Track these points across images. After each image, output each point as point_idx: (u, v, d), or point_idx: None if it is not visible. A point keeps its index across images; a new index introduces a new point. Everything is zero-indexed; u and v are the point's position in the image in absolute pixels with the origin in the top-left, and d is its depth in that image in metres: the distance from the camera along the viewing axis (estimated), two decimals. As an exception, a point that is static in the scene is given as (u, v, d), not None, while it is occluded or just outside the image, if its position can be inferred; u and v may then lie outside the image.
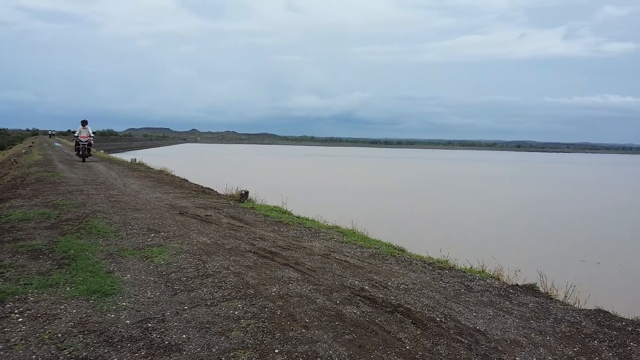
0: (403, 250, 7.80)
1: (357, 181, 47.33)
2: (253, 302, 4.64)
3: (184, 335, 3.84)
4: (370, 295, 5.10)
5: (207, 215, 9.50)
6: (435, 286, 5.72)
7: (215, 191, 14.72)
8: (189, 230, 7.90)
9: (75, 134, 25.37)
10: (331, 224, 9.88)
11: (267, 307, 4.52)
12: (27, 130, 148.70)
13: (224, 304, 4.57)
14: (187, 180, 17.47)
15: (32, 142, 57.85)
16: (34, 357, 3.39)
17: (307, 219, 10.32)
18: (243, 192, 13.03)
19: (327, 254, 6.83)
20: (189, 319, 4.18)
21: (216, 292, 4.92)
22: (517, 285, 6.12)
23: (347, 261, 6.53)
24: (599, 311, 5.20)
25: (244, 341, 3.78)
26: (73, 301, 4.46)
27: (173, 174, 19.92)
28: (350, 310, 4.58)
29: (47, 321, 3.99)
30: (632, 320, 4.99)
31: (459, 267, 6.98)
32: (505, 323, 4.60)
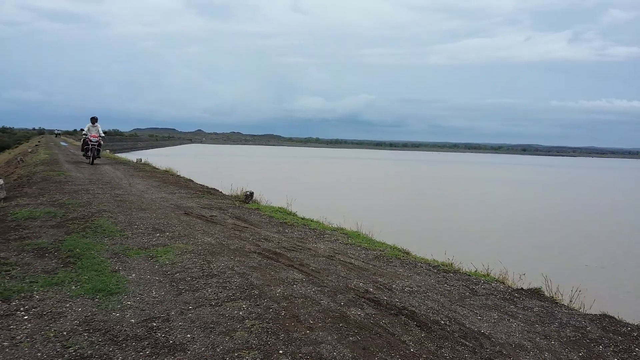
0: (408, 253, 7.78)
1: (362, 183, 47.30)
2: (257, 303, 4.65)
3: (189, 335, 3.85)
4: (375, 297, 5.09)
5: (212, 216, 9.52)
6: (440, 289, 5.70)
7: (221, 192, 14.75)
8: (194, 230, 7.91)
9: (84, 132, 22.29)
10: (336, 226, 9.87)
11: (271, 308, 4.53)
12: (34, 129, 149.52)
13: (228, 304, 4.57)
14: (192, 181, 17.52)
15: (39, 142, 58.15)
16: (39, 354, 3.41)
17: (311, 221, 10.32)
18: (248, 193, 13.05)
19: (331, 256, 6.83)
20: (194, 319, 4.18)
21: (221, 292, 4.92)
22: (522, 289, 6.10)
23: (351, 263, 6.52)
24: (604, 316, 5.17)
25: (248, 341, 3.78)
26: (78, 299, 4.48)
27: (178, 174, 19.98)
28: (355, 312, 4.58)
29: (53, 319, 4.00)
30: (637, 325, 4.96)
31: (463, 270, 6.95)
32: (510, 327, 4.59)
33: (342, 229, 9.55)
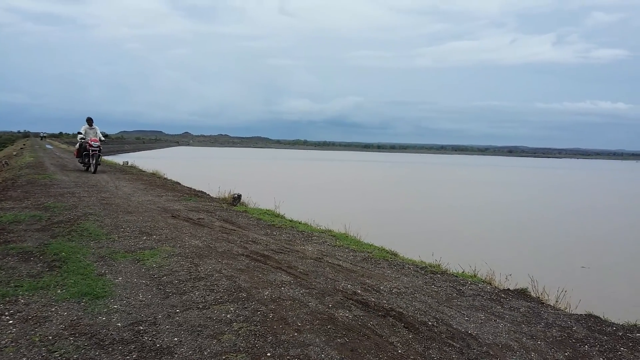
0: (395, 254, 7.81)
1: (350, 185, 47.36)
2: (245, 306, 4.64)
3: (176, 338, 3.83)
4: (363, 299, 5.10)
5: (200, 219, 9.47)
6: (427, 290, 5.73)
7: (208, 194, 14.69)
8: (181, 233, 7.87)
9: (81, 136, 18.89)
10: (324, 228, 9.88)
11: (259, 311, 4.52)
12: (19, 132, 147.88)
13: (216, 307, 4.55)
14: (179, 183, 17.44)
15: (24, 144, 57.48)
16: (24, 359, 3.37)
17: (299, 223, 10.32)
18: (236, 195, 13.01)
19: (319, 258, 6.83)
20: (181, 322, 4.16)
21: (208, 295, 4.90)
22: (508, 289, 6.15)
23: (339, 265, 6.53)
24: (589, 316, 5.23)
25: (236, 344, 3.77)
26: (64, 304, 4.43)
27: (165, 177, 19.88)
28: (343, 314, 4.59)
29: (38, 323, 3.96)
30: (622, 325, 5.03)
31: (451, 271, 7.00)
32: (496, 327, 4.62)
33: (330, 231, 9.57)
